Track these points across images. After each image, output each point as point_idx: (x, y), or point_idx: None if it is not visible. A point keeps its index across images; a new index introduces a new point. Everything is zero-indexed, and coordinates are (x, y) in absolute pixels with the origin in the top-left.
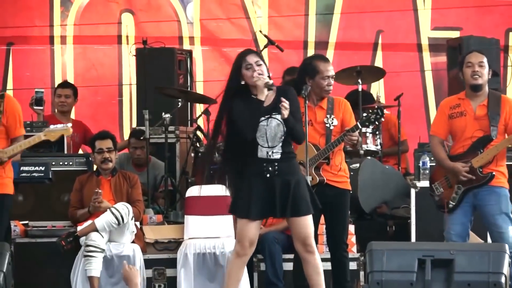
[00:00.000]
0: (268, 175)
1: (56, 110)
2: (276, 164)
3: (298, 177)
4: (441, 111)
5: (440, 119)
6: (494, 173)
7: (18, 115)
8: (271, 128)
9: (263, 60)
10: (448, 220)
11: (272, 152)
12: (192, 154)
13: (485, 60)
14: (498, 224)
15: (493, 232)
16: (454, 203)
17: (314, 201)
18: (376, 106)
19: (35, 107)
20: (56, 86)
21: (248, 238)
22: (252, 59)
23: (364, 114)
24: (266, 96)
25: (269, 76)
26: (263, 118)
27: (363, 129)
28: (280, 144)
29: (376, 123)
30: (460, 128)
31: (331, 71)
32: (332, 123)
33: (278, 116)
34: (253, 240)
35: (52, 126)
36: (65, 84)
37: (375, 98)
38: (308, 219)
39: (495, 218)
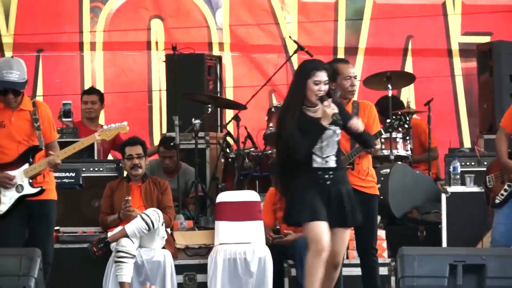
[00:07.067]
0: (322, 182)
1: (84, 117)
2: (331, 172)
3: (348, 187)
4: None
5: (511, 112)
6: None
7: (52, 120)
8: (327, 139)
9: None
10: (495, 219)
11: (327, 161)
12: (222, 160)
13: None
14: None
15: None
16: (500, 200)
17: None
18: (399, 112)
19: (63, 119)
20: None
21: (325, 235)
22: (322, 77)
23: (388, 120)
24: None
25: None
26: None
27: (394, 134)
28: (334, 153)
29: (400, 129)
30: None
31: (352, 71)
32: None
33: (332, 126)
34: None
35: (105, 126)
36: (90, 91)
37: (405, 103)
38: (347, 233)
39: None
